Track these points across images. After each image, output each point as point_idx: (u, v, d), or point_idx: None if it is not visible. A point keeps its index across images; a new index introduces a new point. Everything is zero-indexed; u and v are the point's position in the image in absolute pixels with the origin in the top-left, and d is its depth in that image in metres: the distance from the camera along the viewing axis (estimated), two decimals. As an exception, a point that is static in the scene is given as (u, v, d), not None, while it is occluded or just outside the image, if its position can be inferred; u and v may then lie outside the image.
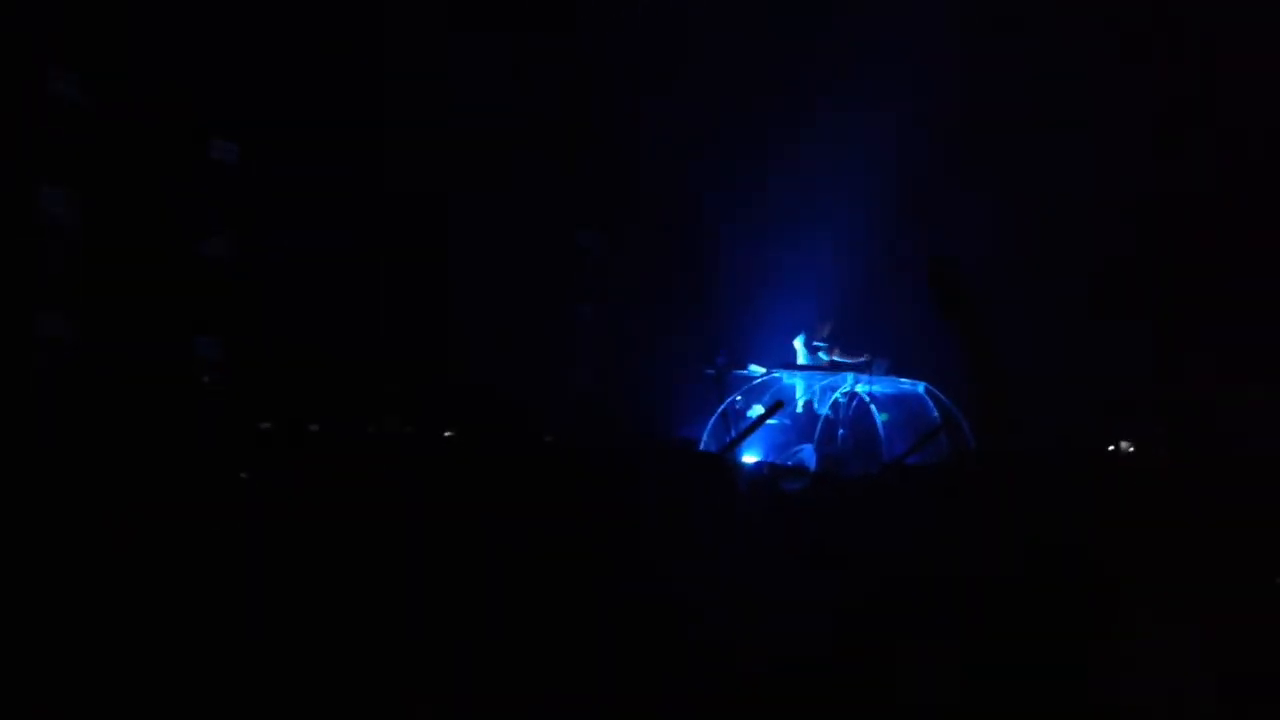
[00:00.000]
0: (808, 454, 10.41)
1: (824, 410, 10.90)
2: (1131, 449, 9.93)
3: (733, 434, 10.11)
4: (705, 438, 10.76)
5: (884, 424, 10.88)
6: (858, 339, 11.52)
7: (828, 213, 12.08)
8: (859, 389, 11.04)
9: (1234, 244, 11.11)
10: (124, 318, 9.56)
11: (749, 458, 10.28)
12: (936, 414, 10.80)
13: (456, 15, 11.28)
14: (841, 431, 10.85)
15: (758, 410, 10.52)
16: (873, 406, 11.00)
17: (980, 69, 11.94)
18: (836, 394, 11.00)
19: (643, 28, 12.28)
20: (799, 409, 11.24)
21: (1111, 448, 10.08)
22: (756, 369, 11.43)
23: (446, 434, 9.64)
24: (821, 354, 11.45)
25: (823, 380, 11.16)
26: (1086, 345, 11.55)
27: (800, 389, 11.31)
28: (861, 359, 11.30)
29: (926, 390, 10.98)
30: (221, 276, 10.28)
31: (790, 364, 11.54)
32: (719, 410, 10.97)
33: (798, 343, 11.60)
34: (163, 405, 8.90)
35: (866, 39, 12.06)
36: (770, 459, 10.41)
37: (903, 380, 11.15)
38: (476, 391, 10.68)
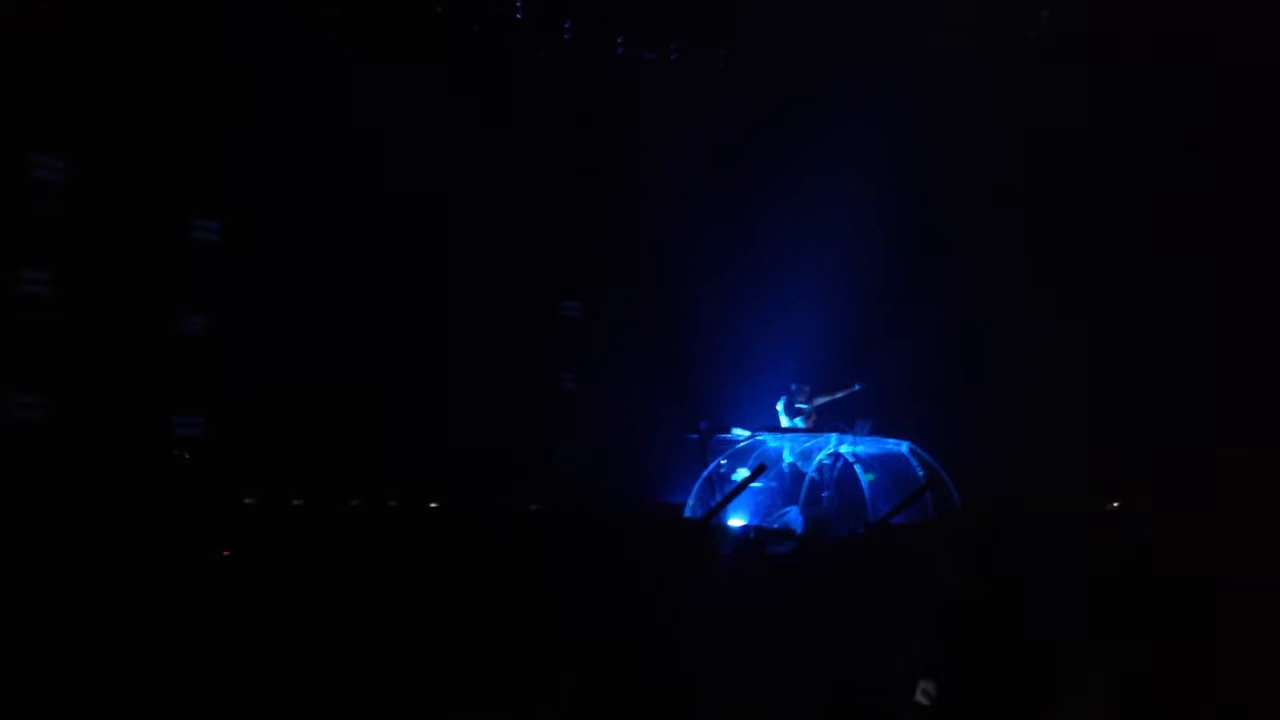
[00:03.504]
0: (794, 516, 10.38)
1: (809, 472, 10.88)
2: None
3: (718, 498, 10.08)
4: (691, 502, 10.72)
5: (869, 484, 10.87)
6: (839, 400, 11.58)
7: (810, 278, 12.18)
8: (843, 450, 11.05)
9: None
10: (103, 396, 9.55)
11: (735, 521, 10.25)
12: (921, 473, 10.80)
13: (438, 90, 11.44)
14: (826, 493, 10.84)
15: (742, 474, 10.50)
16: (857, 467, 11.00)
17: (957, 139, 12.15)
18: (821, 455, 11.00)
19: (624, 100, 12.48)
20: (784, 471, 11.22)
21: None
22: (740, 432, 11.43)
23: (432, 505, 9.60)
24: (800, 420, 11.48)
25: (807, 442, 11.16)
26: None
27: (785, 451, 11.31)
28: (841, 394, 11.37)
29: (910, 450, 10.99)
30: (202, 354, 10.29)
31: (774, 427, 11.55)
32: (704, 475, 10.94)
33: (780, 406, 11.63)
34: (140, 483, 8.85)
35: (845, 107, 12.28)
36: (756, 522, 10.38)
37: (887, 440, 11.16)
38: (462, 460, 10.66)
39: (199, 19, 10.25)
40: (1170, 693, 4.38)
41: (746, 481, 9.63)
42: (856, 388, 11.43)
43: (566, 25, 12.35)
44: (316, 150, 10.68)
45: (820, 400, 11.55)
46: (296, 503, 8.15)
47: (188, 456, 9.97)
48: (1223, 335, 10.91)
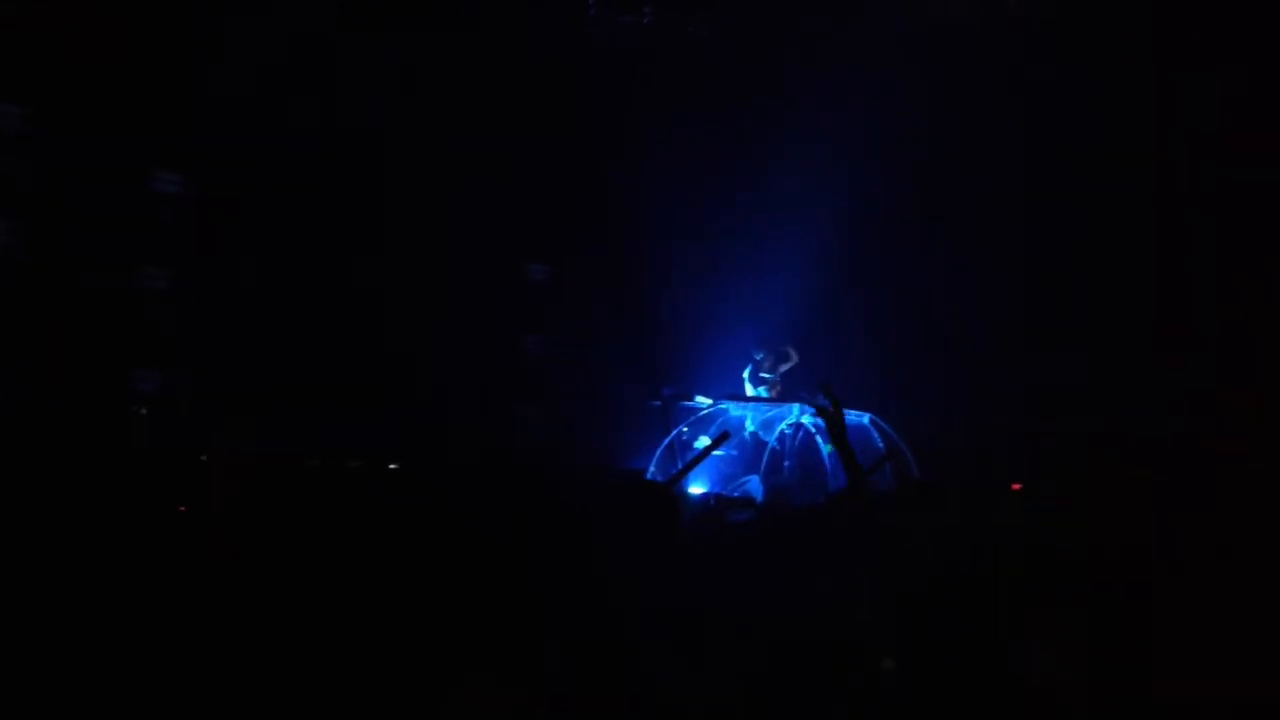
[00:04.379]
0: (754, 485, 10.43)
1: (771, 441, 10.94)
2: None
3: (679, 465, 10.12)
4: (652, 469, 10.76)
5: (830, 455, 10.94)
6: (802, 371, 11.64)
7: (774, 244, 12.20)
8: (805, 420, 11.11)
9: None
10: (61, 349, 9.42)
11: (696, 489, 10.29)
12: (882, 444, 10.88)
13: (402, 50, 11.30)
14: (787, 463, 10.90)
15: (704, 441, 10.54)
16: (819, 437, 11.07)
17: (926, 112, 12.18)
18: (783, 425, 11.06)
19: (590, 67, 12.38)
20: (746, 440, 11.28)
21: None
22: (703, 400, 11.47)
23: (391, 466, 9.56)
24: (764, 389, 11.53)
25: (769, 412, 11.21)
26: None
27: (747, 420, 11.36)
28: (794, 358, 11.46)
29: (871, 421, 11.07)
30: (161, 308, 10.17)
31: (737, 395, 11.59)
32: (666, 441, 10.98)
33: (745, 374, 11.68)
34: (99, 438, 8.76)
35: (820, 81, 12.27)
36: (717, 490, 10.43)
37: (848, 411, 11.20)
38: (424, 423, 10.62)
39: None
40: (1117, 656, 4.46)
41: (708, 449, 9.66)
42: (794, 357, 11.49)
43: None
44: (279, 106, 10.54)
45: (784, 367, 11.59)
46: (253, 461, 8.08)
47: (145, 412, 9.88)
48: (1176, 317, 11.04)
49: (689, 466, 9.47)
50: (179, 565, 5.70)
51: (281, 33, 10.57)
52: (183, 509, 6.80)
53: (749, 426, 11.26)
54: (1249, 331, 10.62)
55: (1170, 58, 11.19)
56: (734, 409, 11.31)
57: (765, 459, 10.72)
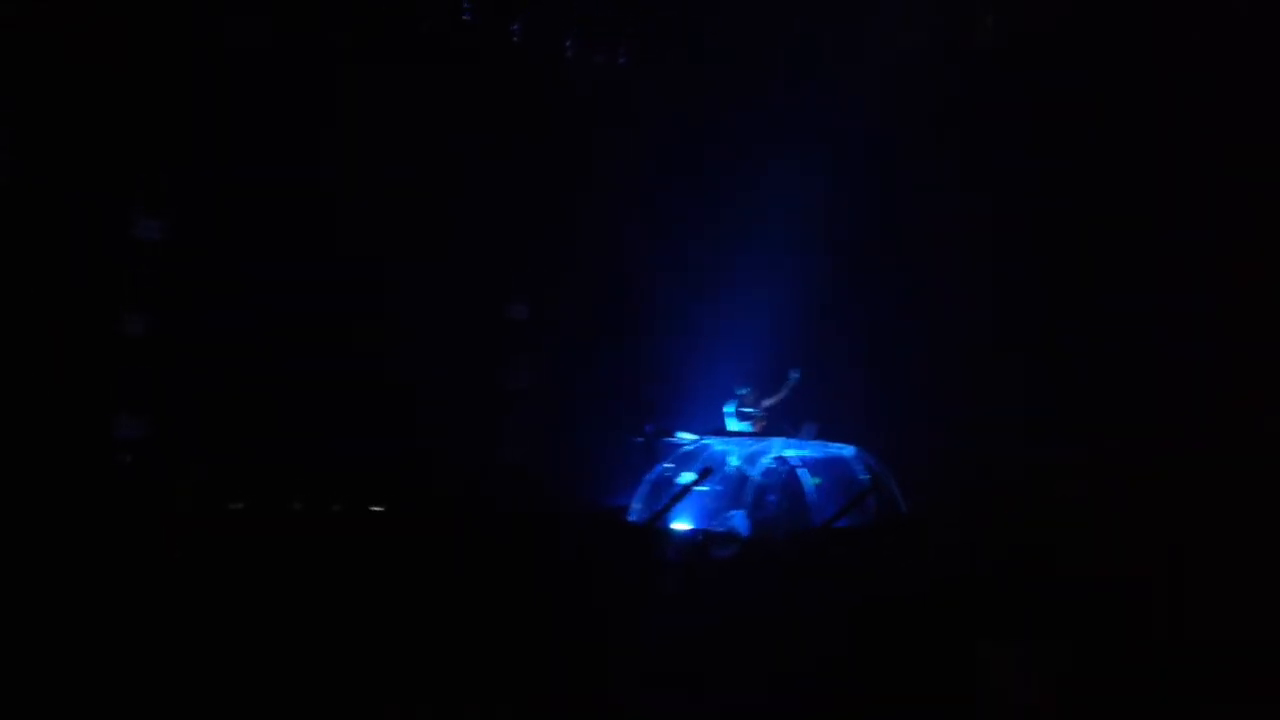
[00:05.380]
0: (739, 519, 10.42)
1: (754, 475, 10.93)
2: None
3: (663, 501, 10.10)
4: (636, 505, 10.74)
5: (814, 488, 10.94)
6: (786, 403, 11.66)
7: (757, 281, 12.25)
8: (788, 453, 11.12)
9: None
10: (44, 397, 9.39)
11: (680, 524, 10.28)
12: (866, 476, 10.90)
13: (386, 90, 11.37)
14: (771, 496, 10.88)
15: (688, 477, 10.54)
16: (802, 471, 11.06)
17: (904, 143, 12.33)
18: (766, 459, 11.06)
19: (570, 104, 12.49)
20: (730, 474, 11.26)
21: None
22: (686, 436, 11.47)
23: (375, 509, 9.56)
24: (748, 424, 11.54)
25: (752, 446, 11.21)
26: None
27: (730, 455, 11.36)
28: (785, 391, 11.47)
29: (855, 454, 11.08)
30: (144, 355, 10.16)
31: (720, 430, 11.60)
32: (649, 478, 10.97)
33: (727, 409, 11.69)
34: (82, 484, 8.72)
35: (794, 110, 12.42)
36: (702, 525, 10.42)
37: (832, 444, 11.24)
38: (408, 464, 10.60)
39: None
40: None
41: (692, 485, 9.68)
42: (794, 377, 11.51)
43: (515, 27, 12.33)
44: (260, 148, 10.59)
45: (768, 402, 11.61)
46: (236, 507, 8.08)
47: (129, 459, 9.84)
48: (1177, 334, 11.11)
49: (672, 502, 9.49)
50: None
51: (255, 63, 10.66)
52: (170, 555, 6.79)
53: (732, 461, 11.26)
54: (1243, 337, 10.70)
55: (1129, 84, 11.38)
56: (717, 444, 11.31)
57: (750, 493, 10.71)
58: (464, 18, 12.08)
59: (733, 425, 11.65)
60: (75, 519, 7.24)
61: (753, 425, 11.60)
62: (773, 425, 11.64)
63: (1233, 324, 10.71)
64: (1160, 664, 4.77)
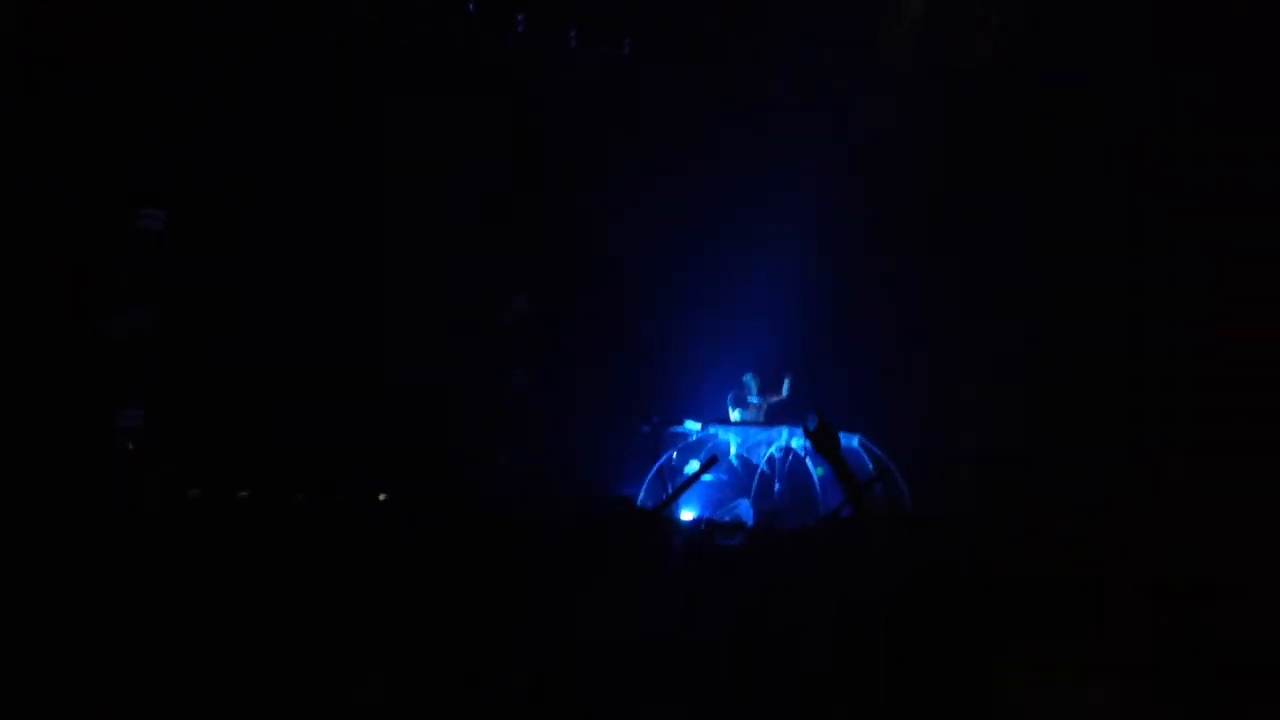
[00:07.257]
0: (744, 509, 10.41)
1: (760, 465, 10.92)
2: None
3: (669, 491, 10.10)
4: (642, 495, 10.73)
5: (819, 478, 10.93)
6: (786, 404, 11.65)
7: (763, 269, 12.23)
8: (794, 443, 11.10)
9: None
10: (44, 388, 9.38)
11: (686, 514, 10.27)
12: (871, 466, 10.87)
13: (385, 85, 11.34)
14: (777, 486, 10.88)
15: (694, 467, 10.53)
16: (808, 460, 11.05)
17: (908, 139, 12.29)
18: (772, 449, 11.04)
19: (575, 99, 12.44)
20: (735, 464, 11.26)
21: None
22: (692, 426, 11.46)
23: (380, 498, 9.52)
24: (751, 413, 11.52)
25: (758, 436, 11.19)
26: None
27: (736, 445, 11.34)
28: (785, 393, 11.45)
29: (861, 443, 11.06)
30: (144, 345, 10.14)
31: (726, 420, 11.58)
32: (655, 468, 10.96)
33: (729, 399, 11.67)
34: (85, 476, 8.70)
35: (798, 106, 12.37)
36: (707, 515, 10.41)
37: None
38: (410, 455, 10.58)
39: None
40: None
41: (698, 474, 9.63)
42: (787, 383, 11.50)
43: (519, 18, 12.28)
44: (261, 141, 10.56)
45: (771, 399, 11.59)
46: (242, 495, 8.05)
47: (131, 447, 9.82)
48: (1178, 334, 11.09)
49: (678, 492, 9.46)
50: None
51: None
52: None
53: (738, 451, 11.25)
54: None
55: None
56: (723, 433, 11.30)
57: (755, 483, 10.70)
58: (468, 8, 12.03)
59: (735, 415, 11.63)
60: (67, 514, 7.22)
61: (758, 415, 11.59)
62: (777, 415, 11.62)
63: (1233, 324, 10.70)
64: (1167, 664, 4.74)
